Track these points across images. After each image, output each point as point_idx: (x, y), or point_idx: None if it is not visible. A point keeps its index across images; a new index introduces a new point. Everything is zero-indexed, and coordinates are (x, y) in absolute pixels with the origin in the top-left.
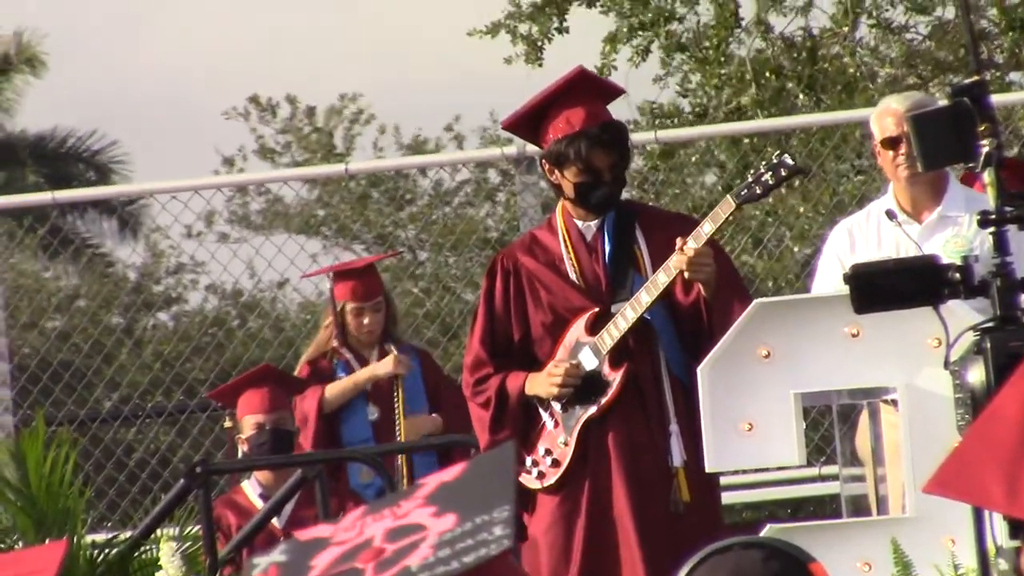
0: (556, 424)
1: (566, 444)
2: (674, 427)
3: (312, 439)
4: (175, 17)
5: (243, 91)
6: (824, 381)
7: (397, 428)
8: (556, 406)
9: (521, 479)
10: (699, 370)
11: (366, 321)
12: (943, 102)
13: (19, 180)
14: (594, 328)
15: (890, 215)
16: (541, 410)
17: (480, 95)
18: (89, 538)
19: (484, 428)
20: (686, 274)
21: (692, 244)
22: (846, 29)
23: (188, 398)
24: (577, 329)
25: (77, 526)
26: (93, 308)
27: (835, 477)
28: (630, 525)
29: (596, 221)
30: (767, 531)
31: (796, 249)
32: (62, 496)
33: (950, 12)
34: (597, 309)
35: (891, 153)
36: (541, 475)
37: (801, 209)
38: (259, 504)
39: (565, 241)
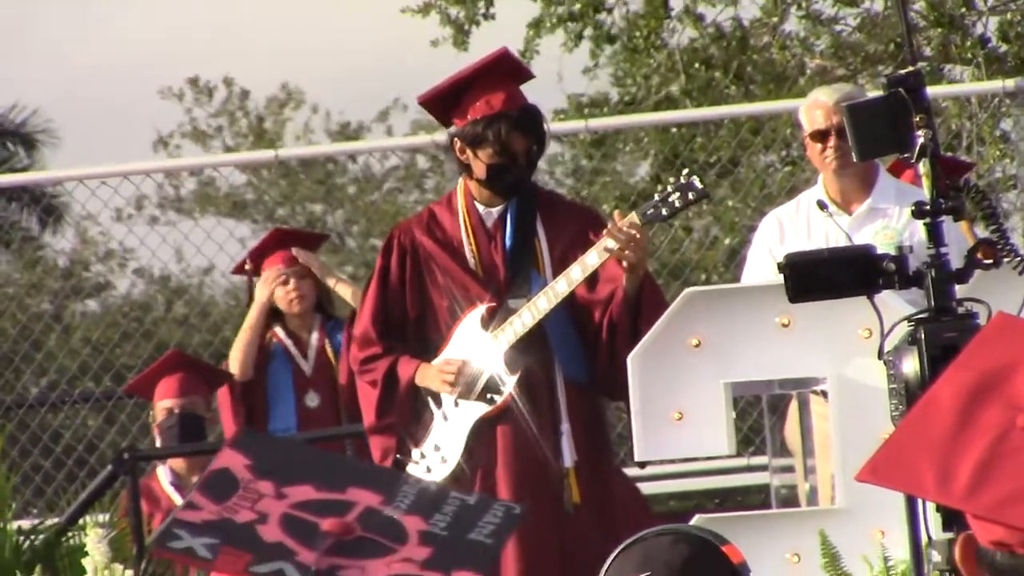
0: (446, 419)
1: (456, 442)
2: (565, 427)
3: (231, 415)
4: (117, 5)
5: (181, 76)
6: (754, 371)
7: (342, 415)
8: (448, 401)
9: (408, 469)
10: (629, 359)
11: (291, 286)
12: (872, 94)
13: None
14: (489, 322)
15: (821, 206)
16: (432, 403)
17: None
18: (15, 524)
19: (371, 408)
20: (619, 253)
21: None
22: (776, 20)
23: (116, 384)
24: (471, 321)
25: (4, 512)
26: (21, 294)
27: (764, 468)
28: None
29: (498, 208)
30: (695, 521)
31: (725, 240)
32: None
33: (879, 4)
34: (494, 304)
35: (819, 145)
36: (428, 469)
37: (730, 202)
38: (170, 491)
39: (465, 224)
